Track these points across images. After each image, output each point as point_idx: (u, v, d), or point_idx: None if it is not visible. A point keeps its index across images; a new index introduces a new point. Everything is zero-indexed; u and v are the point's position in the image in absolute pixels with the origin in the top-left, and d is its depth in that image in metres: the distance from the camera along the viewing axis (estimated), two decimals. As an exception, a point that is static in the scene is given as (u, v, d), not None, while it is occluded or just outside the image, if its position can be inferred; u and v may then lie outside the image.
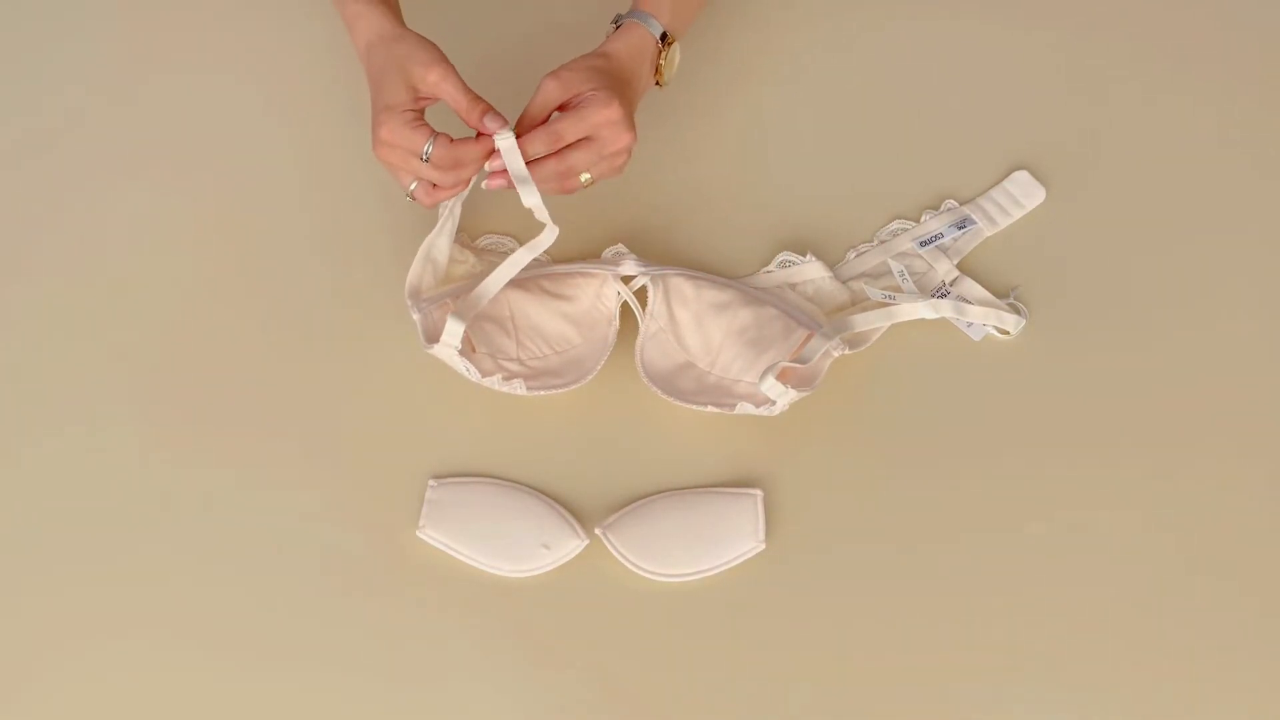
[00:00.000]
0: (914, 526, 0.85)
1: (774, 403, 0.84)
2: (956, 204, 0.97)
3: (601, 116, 0.83)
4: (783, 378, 0.84)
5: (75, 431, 0.89)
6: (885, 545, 0.84)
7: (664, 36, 0.90)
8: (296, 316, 0.93)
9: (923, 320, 0.91)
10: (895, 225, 0.96)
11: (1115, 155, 0.99)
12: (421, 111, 0.84)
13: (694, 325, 0.90)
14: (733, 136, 1.01)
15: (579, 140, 0.84)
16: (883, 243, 0.95)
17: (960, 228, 0.95)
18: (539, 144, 0.83)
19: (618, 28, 0.90)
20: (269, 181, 0.99)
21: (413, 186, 0.85)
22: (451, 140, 0.83)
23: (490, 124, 0.83)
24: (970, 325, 0.91)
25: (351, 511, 0.86)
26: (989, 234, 0.95)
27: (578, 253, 0.95)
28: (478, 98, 0.84)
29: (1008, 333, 0.91)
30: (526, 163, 0.83)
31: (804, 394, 0.84)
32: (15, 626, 0.83)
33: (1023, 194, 0.97)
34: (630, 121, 0.85)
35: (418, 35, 0.85)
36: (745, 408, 0.85)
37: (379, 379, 0.90)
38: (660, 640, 0.82)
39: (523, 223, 0.92)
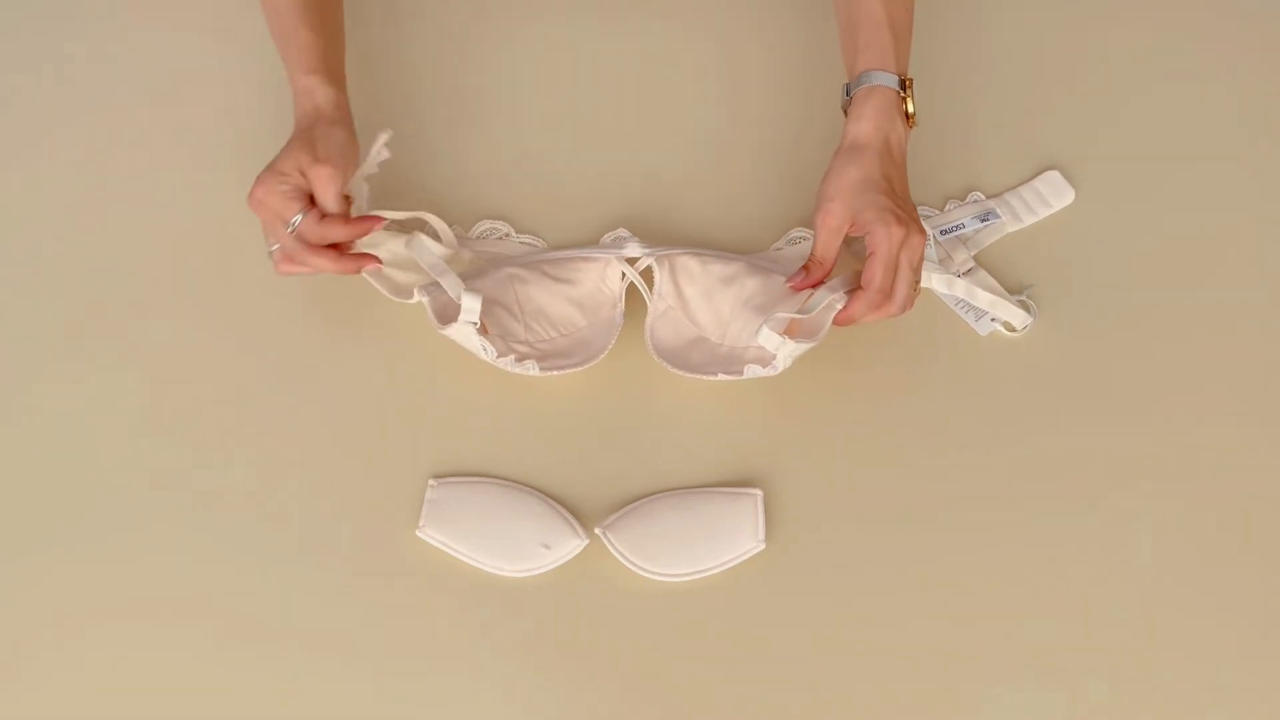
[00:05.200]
0: (914, 526, 0.85)
1: (775, 357, 0.84)
2: (983, 196, 0.97)
3: (894, 247, 0.83)
4: (788, 332, 0.84)
5: (73, 429, 0.89)
6: (886, 545, 0.84)
7: (903, 82, 0.88)
8: (297, 315, 0.93)
9: (927, 320, 0.91)
10: (920, 211, 0.96)
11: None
12: (300, 189, 0.85)
13: (703, 300, 0.90)
14: (747, 117, 1.01)
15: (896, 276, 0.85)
16: None
17: (983, 220, 0.95)
18: (863, 308, 0.84)
19: (852, 97, 0.88)
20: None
21: (274, 248, 0.87)
22: (322, 217, 0.84)
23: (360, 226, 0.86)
24: (979, 319, 0.91)
25: (351, 511, 0.86)
26: (1011, 229, 0.95)
27: (576, 241, 0.95)
28: (342, 214, 0.85)
29: (1015, 330, 0.91)
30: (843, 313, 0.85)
31: (805, 346, 0.84)
32: (20, 616, 0.84)
33: (1052, 194, 0.97)
34: (912, 224, 0.84)
35: (347, 130, 0.88)
36: (753, 370, 0.85)
37: (379, 378, 0.90)
38: (660, 640, 0.82)
39: (514, 203, 0.95)
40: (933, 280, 0.90)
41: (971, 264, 0.93)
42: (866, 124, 0.87)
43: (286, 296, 0.93)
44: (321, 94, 0.89)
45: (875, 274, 0.84)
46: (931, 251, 0.92)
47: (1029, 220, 0.96)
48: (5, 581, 0.85)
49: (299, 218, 0.84)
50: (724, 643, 0.82)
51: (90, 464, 0.88)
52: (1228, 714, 0.80)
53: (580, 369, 0.87)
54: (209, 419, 0.89)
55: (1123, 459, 0.87)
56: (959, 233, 0.95)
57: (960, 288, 0.91)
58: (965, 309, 0.92)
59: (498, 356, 0.86)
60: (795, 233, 0.95)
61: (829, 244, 0.86)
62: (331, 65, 0.91)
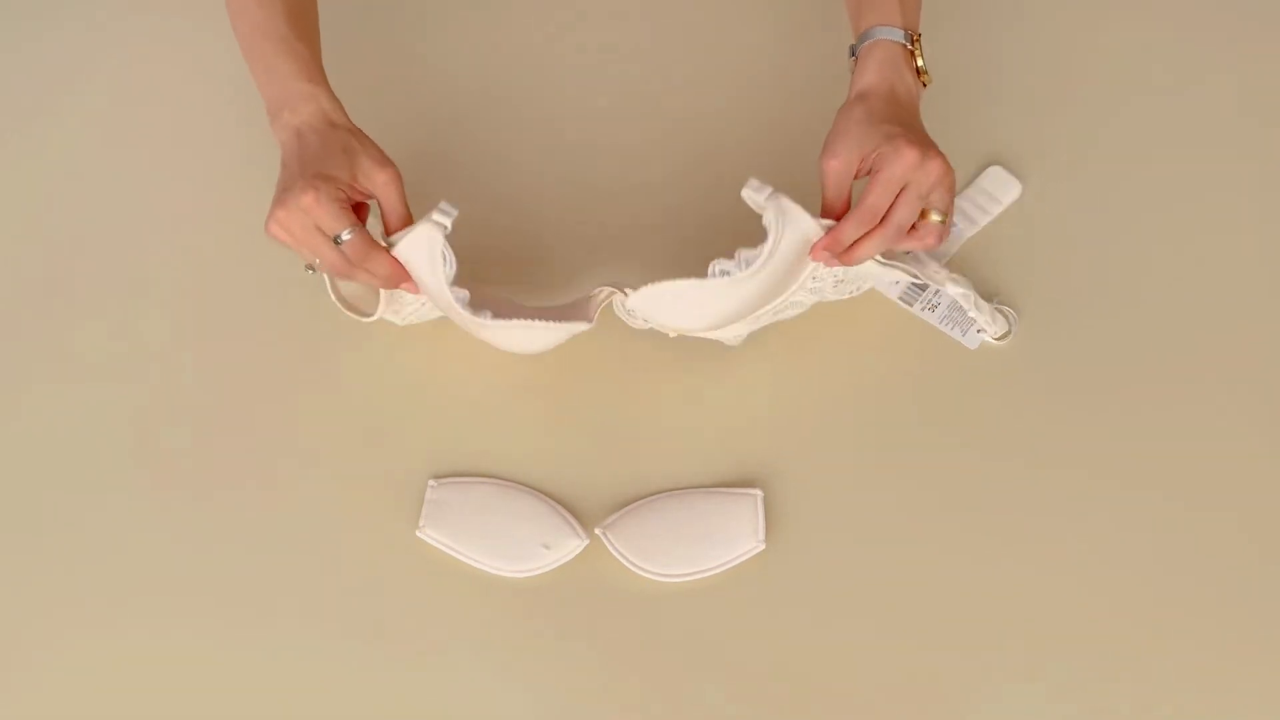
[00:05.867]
0: (914, 526, 0.85)
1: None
2: None
3: (903, 168, 0.78)
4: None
5: (73, 429, 0.89)
6: (885, 545, 0.84)
7: (910, 37, 0.84)
8: (297, 315, 0.93)
9: (922, 323, 0.91)
10: None
11: (1091, 144, 0.98)
12: (348, 200, 0.81)
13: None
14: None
15: (897, 198, 0.79)
16: None
17: None
18: (852, 228, 0.79)
19: (857, 57, 0.85)
20: (270, 179, 0.98)
21: (317, 262, 0.81)
22: (370, 241, 0.79)
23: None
24: (965, 334, 0.90)
25: (351, 511, 0.86)
26: (970, 235, 0.94)
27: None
28: (411, 218, 0.82)
29: (999, 339, 0.90)
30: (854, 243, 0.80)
31: (749, 328, 0.84)
32: (19, 616, 0.84)
33: (998, 189, 0.95)
34: (928, 149, 0.79)
35: (368, 138, 0.84)
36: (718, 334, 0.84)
37: (379, 378, 0.90)
38: (660, 640, 0.82)
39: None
40: (942, 277, 0.87)
41: (952, 277, 0.88)
42: (870, 75, 0.83)
43: (287, 296, 0.93)
44: (329, 103, 0.84)
45: (871, 191, 0.78)
46: (891, 276, 0.87)
47: (983, 220, 0.94)
48: (5, 582, 0.85)
49: (347, 233, 0.79)
50: (724, 643, 0.82)
51: (90, 461, 0.88)
52: (1227, 713, 0.80)
53: (537, 325, 0.82)
54: (209, 419, 0.89)
55: (1120, 458, 0.87)
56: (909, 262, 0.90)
57: (961, 289, 0.87)
58: (951, 325, 0.91)
59: (452, 284, 0.80)
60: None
61: (839, 187, 0.81)
62: (327, 80, 0.87)
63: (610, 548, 0.84)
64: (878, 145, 0.79)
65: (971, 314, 0.88)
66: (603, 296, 0.85)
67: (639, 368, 0.90)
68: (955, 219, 0.92)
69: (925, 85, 0.86)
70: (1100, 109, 1.00)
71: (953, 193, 0.81)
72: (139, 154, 1.00)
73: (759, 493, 0.85)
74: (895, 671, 0.81)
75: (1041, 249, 0.94)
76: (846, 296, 0.88)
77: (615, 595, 0.83)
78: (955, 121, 0.97)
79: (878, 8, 0.85)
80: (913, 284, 0.91)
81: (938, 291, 0.91)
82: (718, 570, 0.83)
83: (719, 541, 0.84)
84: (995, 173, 0.96)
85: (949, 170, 0.80)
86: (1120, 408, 0.88)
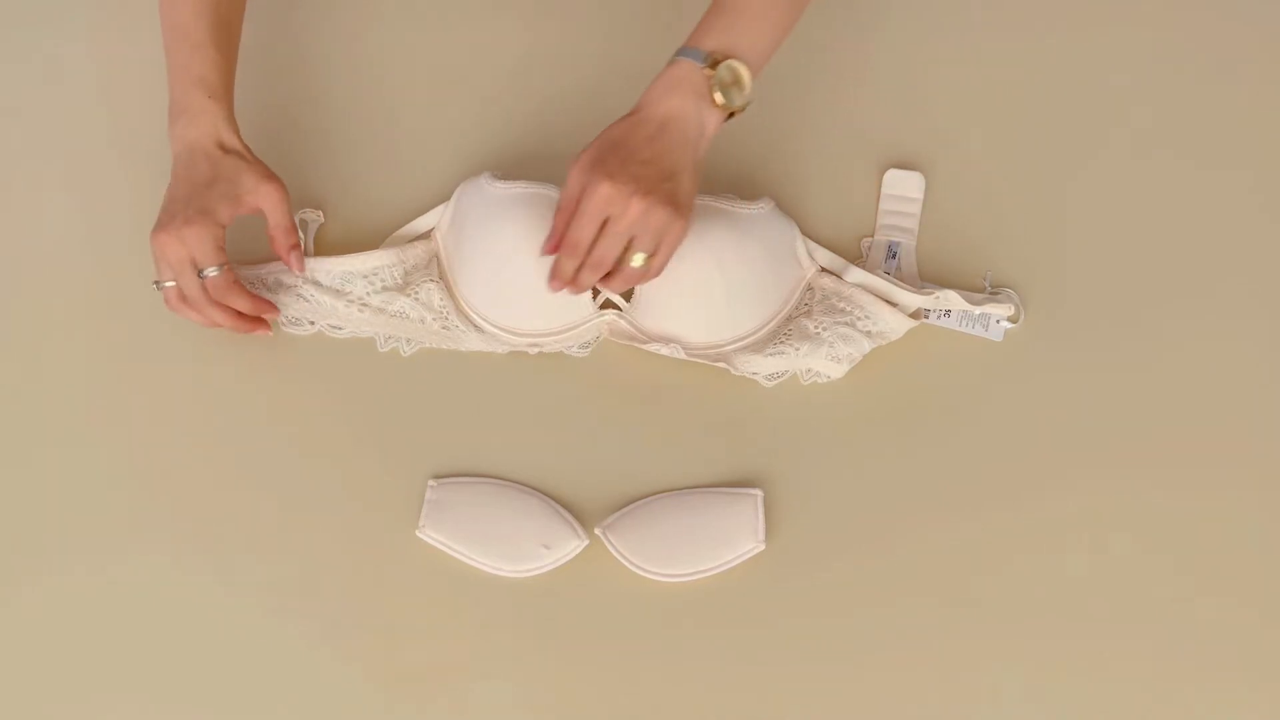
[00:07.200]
0: (915, 527, 0.85)
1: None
2: (870, 239, 0.94)
3: (595, 204, 0.79)
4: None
5: (71, 428, 0.89)
6: (886, 546, 0.84)
7: (714, 60, 0.81)
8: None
9: (924, 321, 0.91)
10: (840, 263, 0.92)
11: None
12: (224, 235, 0.86)
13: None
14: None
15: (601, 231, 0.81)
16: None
17: (893, 257, 0.92)
18: (565, 260, 0.82)
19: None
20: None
21: (168, 284, 0.86)
22: (235, 281, 0.86)
23: (295, 263, 0.88)
24: (988, 328, 0.91)
25: (351, 511, 0.86)
26: (913, 244, 0.93)
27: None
28: (295, 229, 0.89)
29: (1015, 322, 0.91)
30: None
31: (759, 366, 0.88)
32: (14, 632, 0.84)
33: (905, 188, 0.95)
34: (638, 190, 0.78)
35: (255, 158, 0.88)
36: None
37: (379, 378, 0.90)
38: (660, 640, 0.82)
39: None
40: (958, 300, 0.89)
41: (937, 290, 0.89)
42: (653, 94, 0.81)
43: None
44: (225, 125, 0.88)
45: (574, 223, 0.80)
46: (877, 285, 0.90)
47: (913, 224, 0.94)
48: (5, 592, 0.85)
49: (215, 270, 0.85)
50: (724, 643, 0.82)
51: (89, 463, 0.88)
52: (1226, 708, 0.80)
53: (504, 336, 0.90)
54: (209, 419, 0.89)
55: (1123, 456, 0.87)
56: (889, 279, 0.90)
57: (976, 305, 0.89)
58: (970, 325, 0.91)
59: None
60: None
61: (567, 198, 0.81)
62: (230, 93, 0.89)
63: (610, 548, 0.84)
64: (594, 176, 0.79)
65: (979, 311, 0.89)
66: (595, 323, 0.89)
67: (638, 367, 0.90)
68: (895, 236, 0.93)
69: (729, 116, 0.83)
70: (1106, 106, 1.00)
71: (662, 236, 0.80)
72: (112, 170, 1.00)
73: (759, 493, 0.85)
74: (896, 672, 0.81)
75: (1037, 234, 0.95)
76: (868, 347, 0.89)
77: (615, 595, 0.83)
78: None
79: (706, 23, 0.83)
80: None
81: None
82: (718, 570, 0.83)
83: (719, 541, 0.84)
84: (893, 176, 0.96)
85: (653, 212, 0.79)
86: (1127, 400, 0.88)
